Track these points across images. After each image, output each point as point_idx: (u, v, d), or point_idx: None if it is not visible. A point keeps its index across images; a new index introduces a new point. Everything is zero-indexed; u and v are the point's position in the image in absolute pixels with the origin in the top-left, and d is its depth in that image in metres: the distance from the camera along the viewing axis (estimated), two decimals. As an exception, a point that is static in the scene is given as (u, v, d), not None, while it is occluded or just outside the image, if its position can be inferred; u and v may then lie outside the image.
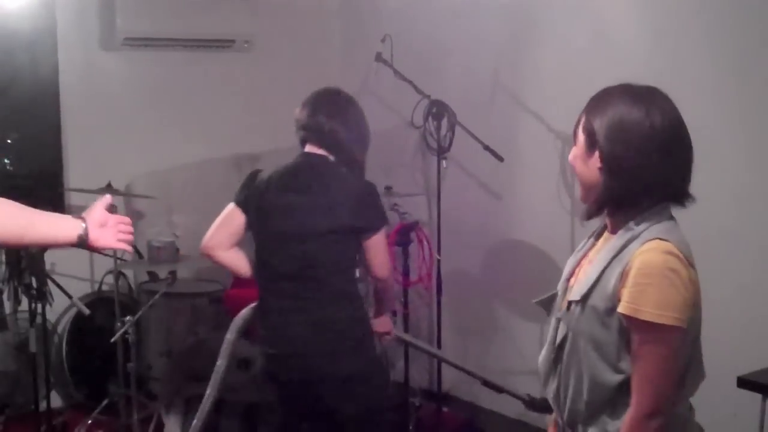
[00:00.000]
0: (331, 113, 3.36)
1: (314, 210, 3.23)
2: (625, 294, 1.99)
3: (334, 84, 6.07)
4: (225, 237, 3.37)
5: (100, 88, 5.43)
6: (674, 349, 1.98)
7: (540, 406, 4.03)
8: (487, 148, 4.62)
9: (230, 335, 3.72)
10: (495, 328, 5.06)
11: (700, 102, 3.89)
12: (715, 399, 3.61)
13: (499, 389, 4.22)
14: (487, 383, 4.24)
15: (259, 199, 3.31)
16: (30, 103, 5.39)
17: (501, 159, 4.61)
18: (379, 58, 4.95)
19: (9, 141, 5.38)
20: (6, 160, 5.34)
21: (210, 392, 3.74)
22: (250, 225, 3.36)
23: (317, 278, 3.25)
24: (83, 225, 2.31)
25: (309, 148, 3.38)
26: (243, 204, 3.35)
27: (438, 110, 4.71)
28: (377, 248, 3.30)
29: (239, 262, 3.44)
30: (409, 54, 5.07)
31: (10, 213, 2.22)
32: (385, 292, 3.56)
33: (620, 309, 1.99)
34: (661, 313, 1.94)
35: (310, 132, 3.38)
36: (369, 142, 3.47)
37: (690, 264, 2.00)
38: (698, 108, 3.83)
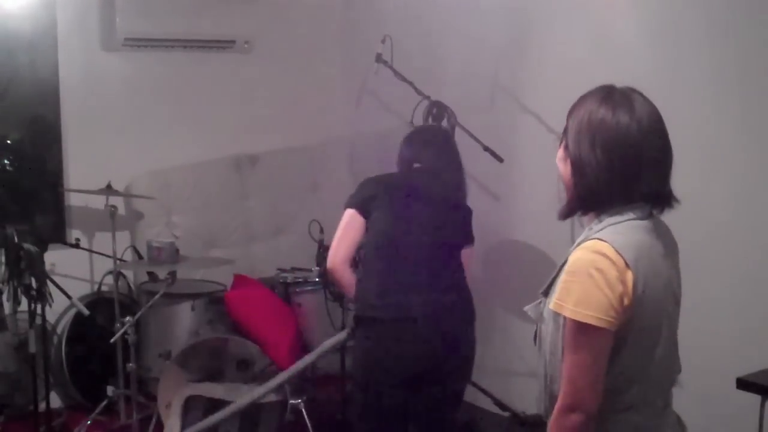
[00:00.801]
0: (442, 151, 3.79)
1: (434, 207, 3.61)
2: (556, 290, 2.03)
3: (333, 85, 6.13)
4: (349, 249, 3.62)
5: (100, 88, 5.43)
6: (591, 348, 1.96)
7: (530, 422, 4.24)
8: (486, 149, 4.62)
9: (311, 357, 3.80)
10: (494, 329, 5.06)
11: (700, 102, 3.90)
12: (714, 400, 3.62)
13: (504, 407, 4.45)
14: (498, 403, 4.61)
15: (382, 197, 3.58)
16: (30, 104, 5.40)
17: (501, 160, 4.61)
18: (379, 59, 4.95)
19: (9, 141, 5.38)
20: (6, 161, 5.34)
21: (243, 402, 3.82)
22: (372, 223, 3.59)
23: (439, 261, 3.58)
24: None
25: (417, 166, 3.75)
26: (362, 206, 3.60)
27: (438, 111, 4.71)
28: (469, 258, 3.76)
29: (353, 284, 3.64)
30: (408, 55, 5.06)
31: None
32: None
33: (549, 304, 2.05)
34: (579, 311, 1.94)
35: (420, 161, 3.75)
36: (464, 171, 3.85)
37: (628, 266, 1.96)
38: (698, 108, 3.84)
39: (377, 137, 5.64)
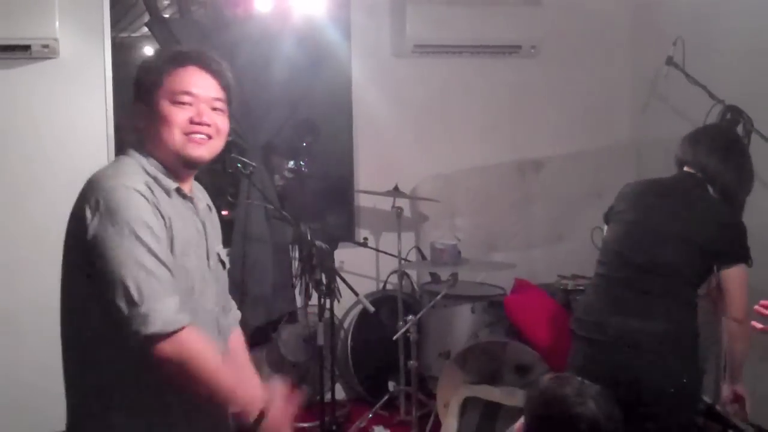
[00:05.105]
0: (712, 149, 3.37)
1: (672, 215, 3.29)
2: None
3: (621, 89, 5.96)
4: None
5: (389, 93, 5.62)
6: None
7: None
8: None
9: None
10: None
11: None
12: None
13: None
14: None
15: (621, 205, 3.46)
16: (324, 107, 5.69)
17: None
18: (670, 61, 4.78)
19: (304, 144, 5.70)
20: (301, 162, 5.66)
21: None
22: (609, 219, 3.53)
23: (658, 277, 3.24)
24: (262, 419, 2.21)
25: (687, 169, 3.43)
26: (606, 215, 3.57)
27: (733, 116, 4.47)
28: (730, 282, 3.23)
29: None
30: (702, 57, 4.84)
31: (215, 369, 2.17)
32: (734, 341, 3.27)
33: None
34: None
35: (688, 161, 3.42)
36: (749, 186, 3.41)
37: None
38: None
39: (665, 143, 5.43)
